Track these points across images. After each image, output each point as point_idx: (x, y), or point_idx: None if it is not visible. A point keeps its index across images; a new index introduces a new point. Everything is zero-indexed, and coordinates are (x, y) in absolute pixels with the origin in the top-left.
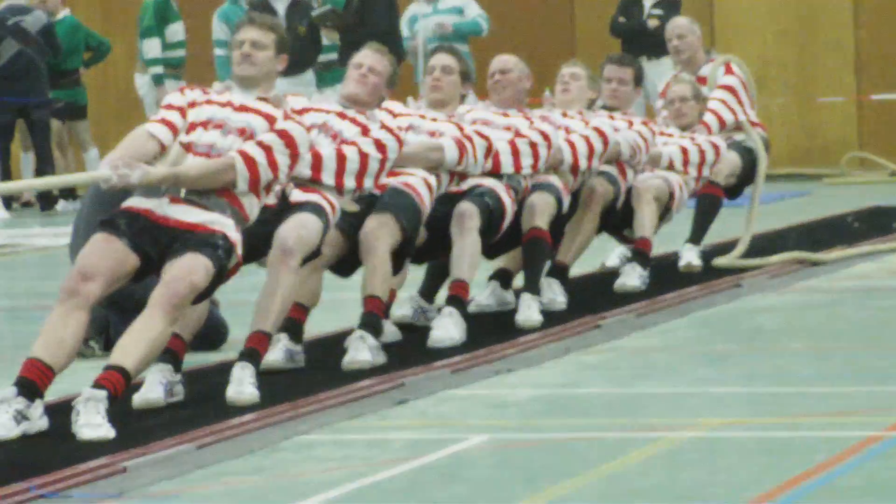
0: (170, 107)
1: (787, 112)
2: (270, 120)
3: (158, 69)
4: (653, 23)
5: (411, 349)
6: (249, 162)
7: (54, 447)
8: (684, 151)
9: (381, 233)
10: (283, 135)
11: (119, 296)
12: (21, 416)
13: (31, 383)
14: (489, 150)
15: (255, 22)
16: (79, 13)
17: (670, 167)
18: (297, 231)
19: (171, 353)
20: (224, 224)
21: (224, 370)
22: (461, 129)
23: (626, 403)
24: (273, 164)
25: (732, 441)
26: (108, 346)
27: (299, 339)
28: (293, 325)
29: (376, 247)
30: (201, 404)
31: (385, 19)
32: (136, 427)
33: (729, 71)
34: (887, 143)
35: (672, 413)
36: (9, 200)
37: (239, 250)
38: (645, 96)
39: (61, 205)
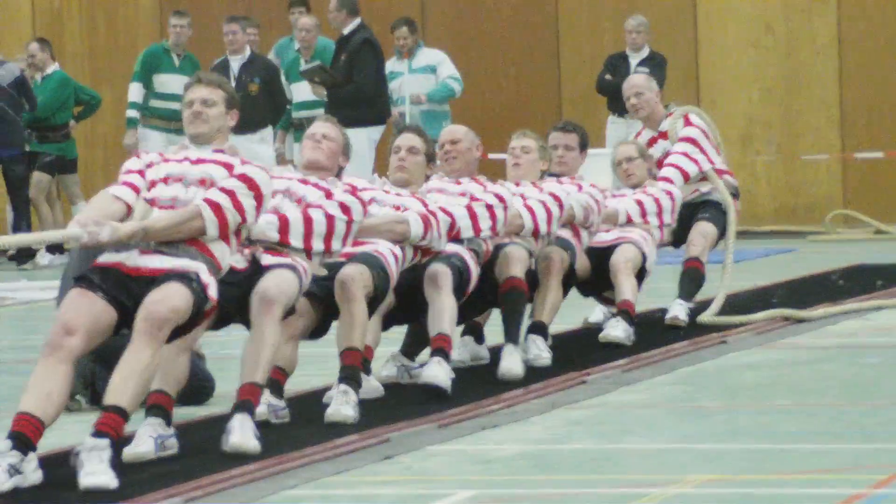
0: (129, 171)
1: (772, 169)
2: (228, 167)
3: (133, 113)
4: None
5: (396, 404)
6: (215, 207)
7: (43, 501)
8: (640, 203)
9: (358, 280)
10: (244, 178)
11: (104, 350)
12: (14, 470)
13: (24, 437)
14: (452, 227)
15: (203, 81)
16: (66, 67)
17: (629, 222)
18: (276, 282)
19: (159, 409)
20: (196, 266)
21: (210, 424)
22: (425, 204)
23: (613, 460)
24: (239, 207)
25: (718, 497)
26: (94, 400)
27: (281, 395)
28: (273, 383)
29: (354, 293)
30: (188, 458)
31: (372, 77)
32: (124, 481)
33: (688, 122)
34: (871, 200)
35: (658, 469)
36: None
37: (212, 293)
38: None
39: (47, 258)
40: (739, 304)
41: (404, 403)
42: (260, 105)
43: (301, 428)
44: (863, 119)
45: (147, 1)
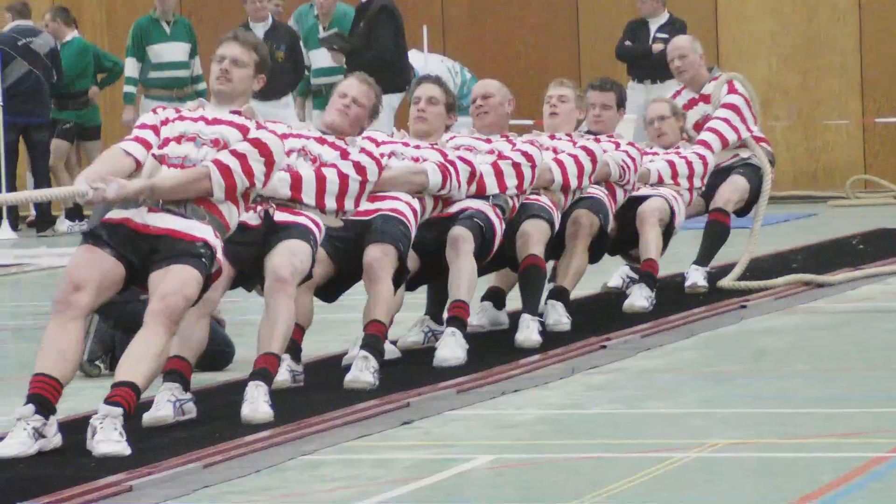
0: (143, 126)
1: (792, 135)
2: (244, 130)
3: (130, 88)
4: (657, 47)
5: (416, 370)
6: (224, 170)
7: (62, 466)
8: (671, 165)
9: (385, 262)
10: (257, 143)
11: (124, 316)
12: (38, 434)
13: (45, 399)
14: (472, 175)
15: (239, 39)
16: (85, 36)
17: (660, 182)
18: (290, 259)
19: (177, 374)
20: (203, 230)
21: (230, 389)
22: (444, 155)
23: (632, 424)
24: (248, 172)
25: (737, 462)
26: (113, 366)
27: (299, 360)
28: (293, 345)
29: (381, 276)
30: (208, 423)
31: (391, 43)
32: (143, 446)
33: (732, 89)
34: (892, 165)
35: (677, 434)
36: (15, 221)
37: (220, 254)
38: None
39: (66, 225)
40: (760, 268)
41: (424, 369)
42: (285, 72)
43: (320, 393)
44: (883, 84)
45: None
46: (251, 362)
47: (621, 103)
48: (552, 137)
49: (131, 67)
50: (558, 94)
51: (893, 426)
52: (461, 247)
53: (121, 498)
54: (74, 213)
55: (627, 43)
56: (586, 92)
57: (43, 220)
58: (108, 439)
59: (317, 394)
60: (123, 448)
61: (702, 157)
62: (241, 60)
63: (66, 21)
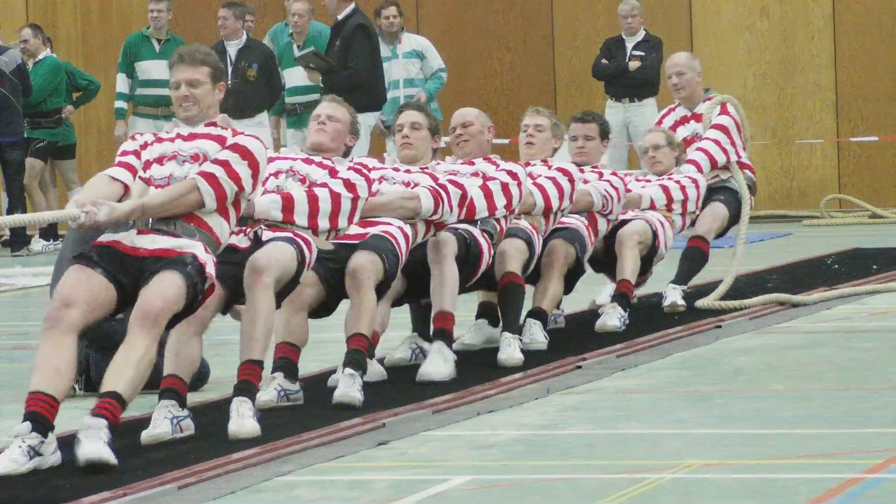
0: (124, 153)
1: (767, 154)
2: (221, 141)
3: (121, 104)
4: (634, 64)
5: (392, 389)
6: (210, 178)
7: (35, 487)
8: (665, 189)
9: (369, 267)
10: (236, 147)
11: (99, 335)
12: (34, 452)
13: (42, 417)
14: (464, 199)
15: (185, 60)
16: (59, 54)
17: (652, 208)
18: (268, 250)
19: (173, 392)
20: (192, 245)
21: (206, 410)
22: (435, 179)
23: (607, 445)
24: (234, 176)
25: (713, 483)
26: (88, 387)
27: (295, 378)
28: (288, 364)
29: (364, 284)
30: (184, 444)
31: (367, 62)
32: (120, 467)
33: (724, 111)
34: (866, 185)
35: (653, 454)
36: None
37: (210, 270)
38: (628, 139)
39: (40, 245)
40: (735, 288)
41: (403, 387)
42: (258, 90)
43: (297, 413)
44: (857, 103)
45: None
46: (227, 382)
47: (604, 135)
48: (527, 164)
49: (122, 83)
50: (534, 124)
51: (869, 447)
52: (442, 250)
53: None
54: (49, 232)
55: (604, 61)
56: (569, 125)
57: (17, 239)
58: (94, 449)
59: (293, 413)
60: (109, 455)
61: (694, 181)
62: (194, 80)
63: (43, 39)
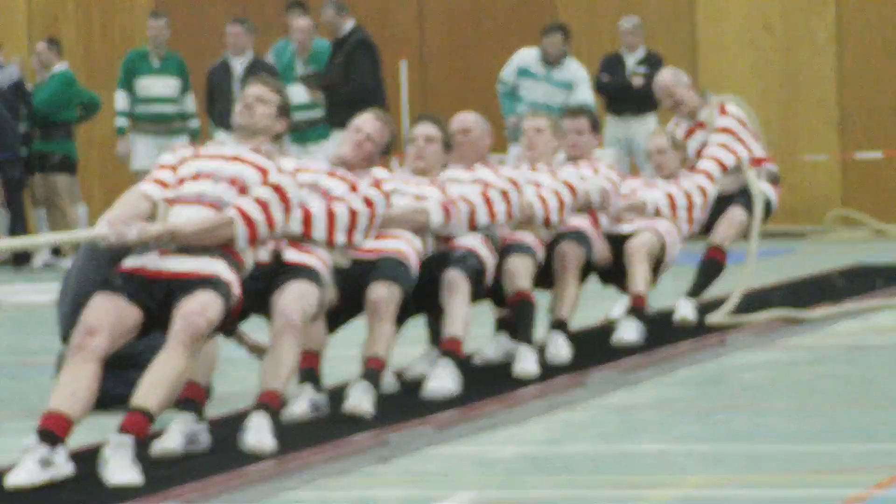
0: (163, 166)
1: None
2: (262, 171)
3: (122, 121)
4: (637, 81)
5: (397, 406)
6: (248, 221)
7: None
8: (670, 196)
9: (391, 301)
10: (277, 189)
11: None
12: (46, 462)
13: (50, 431)
14: (472, 215)
15: (263, 80)
16: None
17: (657, 214)
18: (300, 303)
19: (192, 402)
20: (215, 266)
21: (210, 427)
22: (444, 192)
23: (612, 461)
24: (270, 222)
25: (718, 499)
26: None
27: (319, 388)
28: (311, 374)
29: (384, 316)
30: (187, 461)
31: (369, 77)
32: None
33: (723, 112)
34: (871, 200)
35: (658, 471)
36: None
37: (236, 290)
38: (629, 154)
39: (45, 258)
40: (739, 304)
41: (405, 404)
42: None
43: (301, 428)
44: (861, 119)
45: (143, 3)
46: (229, 399)
47: (594, 127)
48: (533, 169)
49: (122, 100)
50: (534, 127)
51: (873, 463)
52: (456, 293)
53: None
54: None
55: (605, 77)
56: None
57: (19, 255)
58: (119, 468)
59: (294, 429)
60: (134, 476)
61: (701, 189)
62: (263, 98)
63: (57, 52)
